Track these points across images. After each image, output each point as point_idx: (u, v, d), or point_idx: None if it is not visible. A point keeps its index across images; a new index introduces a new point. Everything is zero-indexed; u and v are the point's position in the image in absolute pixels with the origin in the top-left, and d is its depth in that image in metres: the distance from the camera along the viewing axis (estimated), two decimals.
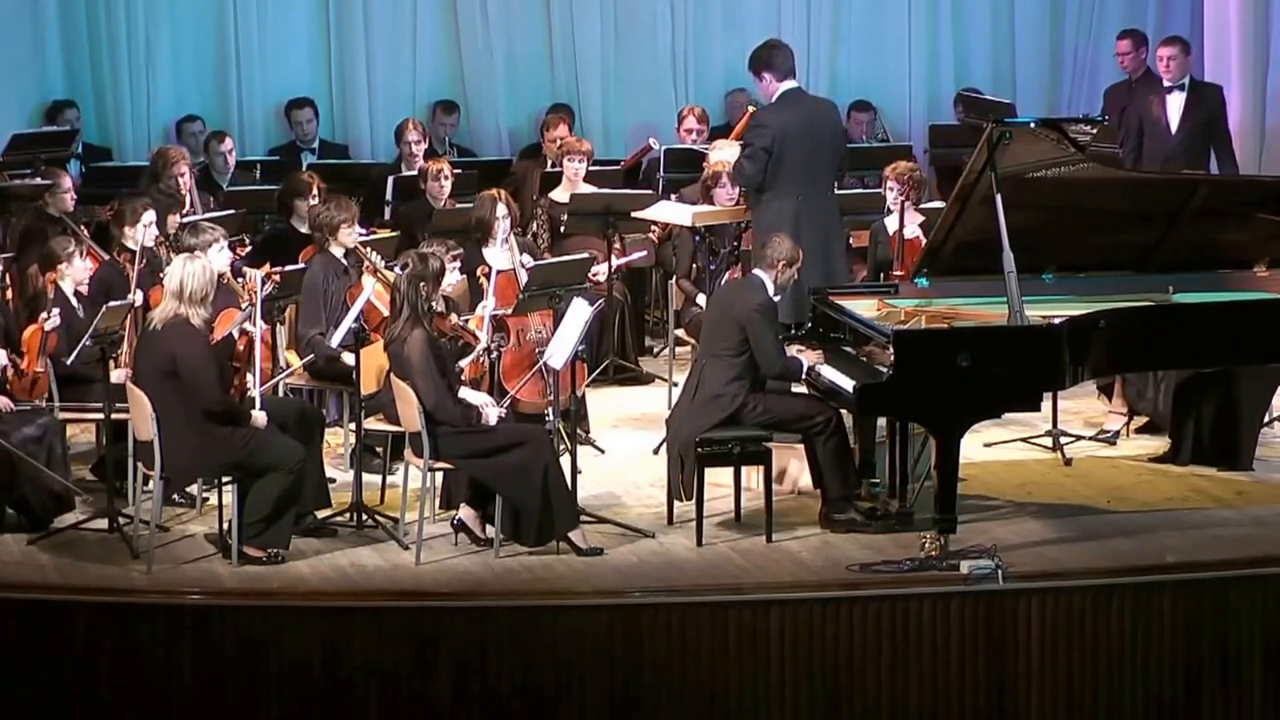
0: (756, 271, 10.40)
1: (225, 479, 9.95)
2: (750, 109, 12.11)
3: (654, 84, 16.14)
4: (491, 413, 10.08)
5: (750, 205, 11.61)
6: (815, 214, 11.36)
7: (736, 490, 10.34)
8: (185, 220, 11.90)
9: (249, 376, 10.14)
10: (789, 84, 11.52)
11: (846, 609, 9.22)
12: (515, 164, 15.20)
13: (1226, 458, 11.25)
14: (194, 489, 10.50)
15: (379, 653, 9.12)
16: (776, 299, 10.32)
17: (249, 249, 12.42)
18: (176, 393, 9.72)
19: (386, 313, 10.47)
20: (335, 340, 10.66)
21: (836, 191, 11.81)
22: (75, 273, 11.10)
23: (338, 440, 11.51)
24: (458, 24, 15.93)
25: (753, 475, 10.33)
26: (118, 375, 10.46)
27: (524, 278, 11.36)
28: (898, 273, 11.71)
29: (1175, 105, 14.01)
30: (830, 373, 10.26)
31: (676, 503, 10.31)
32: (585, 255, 12.00)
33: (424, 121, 15.09)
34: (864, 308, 10.56)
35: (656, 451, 11.31)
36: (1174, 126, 13.97)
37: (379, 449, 11.04)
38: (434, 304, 10.13)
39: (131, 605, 9.30)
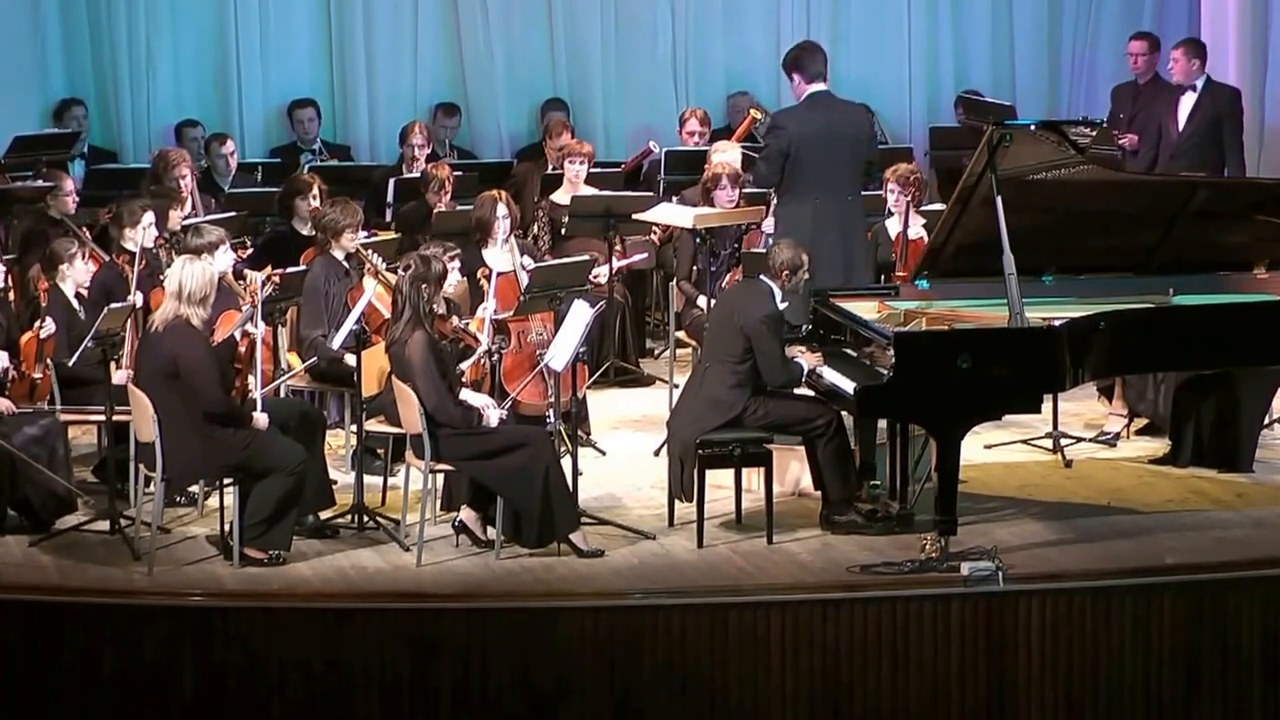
0: (764, 278, 10.38)
1: (226, 480, 9.96)
2: (751, 111, 12.11)
3: (654, 87, 16.14)
4: (492, 415, 10.08)
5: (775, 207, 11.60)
6: (833, 217, 11.33)
7: (737, 492, 10.34)
8: (187, 221, 11.90)
9: (250, 378, 10.15)
10: (817, 87, 11.48)
11: (847, 610, 9.23)
12: (516, 166, 15.20)
13: (1226, 459, 11.25)
14: (195, 490, 10.51)
15: (380, 654, 9.13)
16: (784, 305, 10.31)
17: (250, 251, 12.44)
18: (178, 394, 9.72)
19: (387, 315, 10.48)
20: (336, 342, 10.66)
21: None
22: (77, 274, 11.12)
23: (339, 442, 11.52)
24: (459, 26, 15.93)
25: (753, 477, 10.34)
26: (119, 377, 10.47)
27: (524, 280, 11.37)
28: (900, 274, 11.71)
29: (1185, 107, 14.07)
30: (831, 375, 10.26)
31: (677, 504, 10.32)
32: (586, 257, 11.99)
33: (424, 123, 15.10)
34: (864, 310, 10.56)
35: (657, 453, 11.32)
36: (1180, 127, 14.00)
37: (380, 451, 11.04)
38: (435, 306, 10.14)
39: (133, 607, 9.31)
